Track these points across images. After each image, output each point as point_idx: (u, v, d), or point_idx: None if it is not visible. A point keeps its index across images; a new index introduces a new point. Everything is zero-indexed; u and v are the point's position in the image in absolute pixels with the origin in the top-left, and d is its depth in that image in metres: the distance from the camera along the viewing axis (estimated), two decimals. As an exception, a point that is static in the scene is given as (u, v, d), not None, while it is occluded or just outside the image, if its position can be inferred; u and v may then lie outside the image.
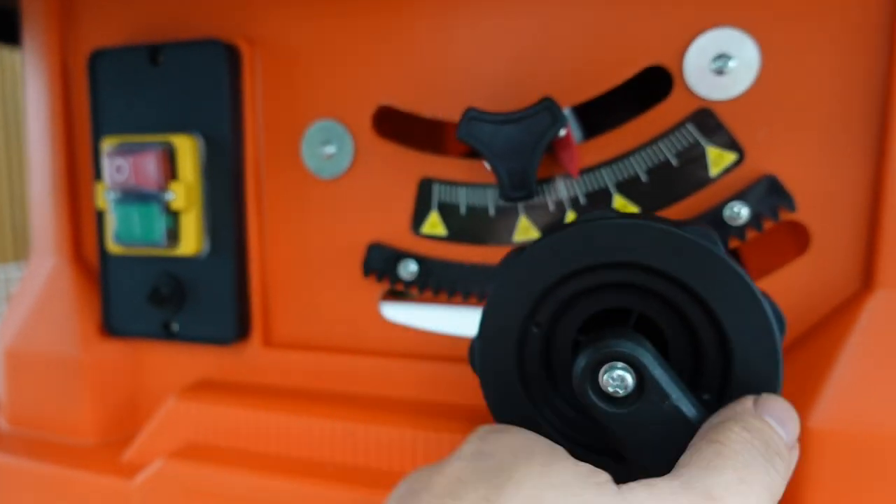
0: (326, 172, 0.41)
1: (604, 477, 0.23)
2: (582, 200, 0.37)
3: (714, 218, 0.34)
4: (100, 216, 0.44)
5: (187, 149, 0.40)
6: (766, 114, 0.34)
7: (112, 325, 0.45)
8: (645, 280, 0.27)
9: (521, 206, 0.38)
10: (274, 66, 0.42)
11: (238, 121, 0.41)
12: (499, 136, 0.34)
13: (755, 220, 0.34)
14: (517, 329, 0.28)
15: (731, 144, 0.34)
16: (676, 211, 0.35)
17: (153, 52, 0.42)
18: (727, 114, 0.34)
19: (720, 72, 0.34)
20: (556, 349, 0.29)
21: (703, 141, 0.35)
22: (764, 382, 0.26)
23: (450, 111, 0.38)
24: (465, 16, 0.38)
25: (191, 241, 0.41)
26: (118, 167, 0.40)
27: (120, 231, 0.41)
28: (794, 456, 0.26)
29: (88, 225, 0.47)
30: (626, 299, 0.28)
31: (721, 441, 0.24)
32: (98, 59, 0.43)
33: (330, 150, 0.41)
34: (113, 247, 0.43)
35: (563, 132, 0.34)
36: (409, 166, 0.39)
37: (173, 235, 0.41)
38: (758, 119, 0.34)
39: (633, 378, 0.25)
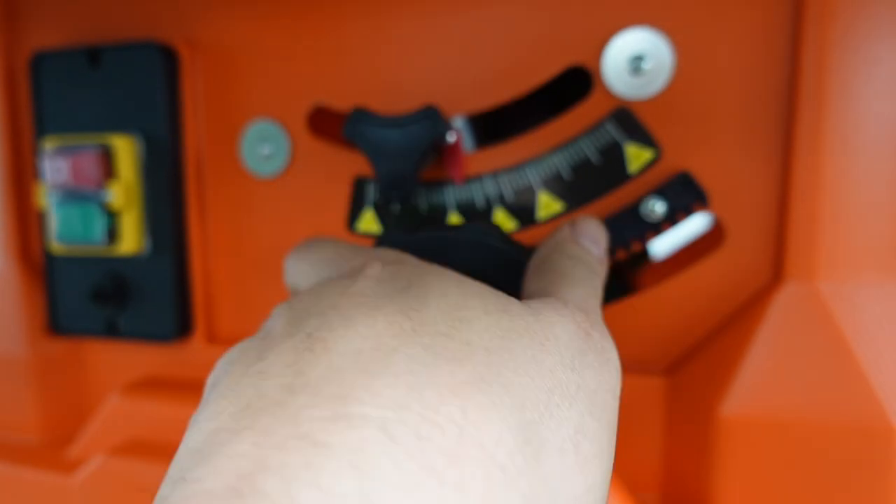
0: (264, 172, 0.42)
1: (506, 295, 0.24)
2: (509, 197, 0.38)
3: (631, 213, 0.35)
4: (43, 216, 0.44)
5: (126, 149, 0.41)
6: (681, 112, 0.35)
7: (57, 324, 0.46)
8: None
9: (452, 202, 0.39)
10: (213, 67, 0.42)
11: (176, 121, 0.42)
12: (382, 138, 0.35)
13: (671, 216, 0.35)
14: None
15: (649, 142, 0.35)
16: (598, 207, 0.36)
17: (92, 55, 0.42)
18: (644, 112, 0.35)
19: (636, 71, 0.35)
20: None
21: (621, 139, 0.36)
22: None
23: (382, 111, 0.39)
24: (395, 17, 0.38)
25: (131, 240, 0.41)
26: (58, 168, 0.41)
27: (61, 231, 0.42)
28: (604, 267, 0.30)
29: (34, 225, 0.48)
30: None
31: (554, 269, 0.27)
32: (39, 62, 0.43)
33: (267, 149, 0.41)
34: (55, 247, 0.43)
35: (451, 139, 0.36)
36: (343, 165, 0.40)
37: (113, 235, 0.42)
38: (673, 117, 0.35)
39: None
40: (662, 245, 0.42)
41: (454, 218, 0.39)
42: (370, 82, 0.39)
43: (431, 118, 0.35)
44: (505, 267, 0.29)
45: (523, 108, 0.38)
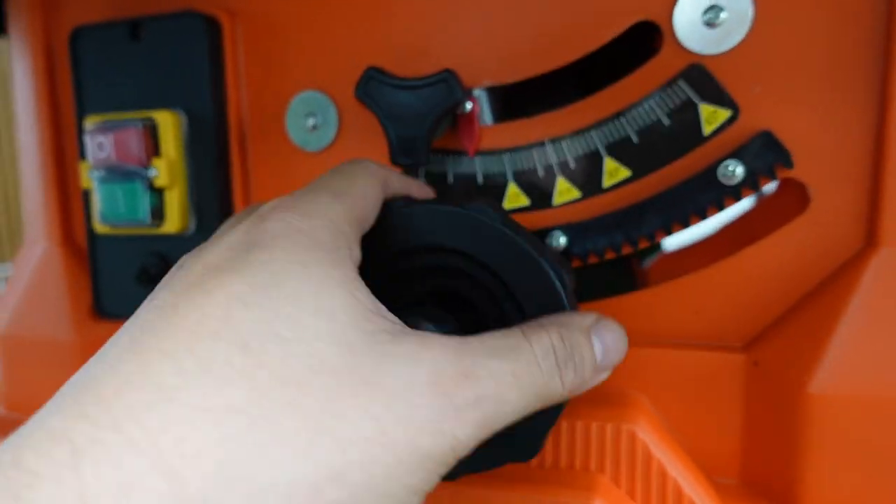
0: (312, 145, 0.40)
1: (380, 325, 0.21)
2: (572, 164, 0.35)
3: (708, 177, 0.33)
4: (86, 196, 0.43)
5: (169, 124, 0.39)
6: (761, 67, 0.32)
7: (103, 307, 0.45)
8: (448, 260, 0.29)
9: (510, 173, 0.36)
10: (255, 37, 0.41)
11: (220, 95, 0.40)
12: (394, 101, 0.34)
13: (751, 179, 0.32)
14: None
15: (725, 101, 0.33)
16: (670, 172, 0.34)
17: (133, 27, 0.41)
18: (720, 69, 0.33)
19: (711, 24, 0.32)
20: None
21: (695, 98, 0.33)
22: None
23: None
24: (448, -23, 0.36)
25: (176, 219, 0.40)
26: (100, 144, 0.39)
27: (105, 210, 0.41)
28: (599, 378, 0.26)
29: (77, 207, 0.47)
30: (442, 281, 0.30)
31: (527, 335, 0.24)
32: (79, 37, 0.42)
33: (314, 121, 0.40)
34: (99, 227, 0.42)
35: (467, 107, 0.35)
36: (394, 136, 0.38)
37: (158, 213, 0.40)
38: (752, 73, 0.32)
39: None
40: (676, 239, 0.40)
41: (513, 190, 0.37)
42: (422, 47, 0.37)
43: (448, 82, 0.33)
44: (504, 252, 0.27)
45: (587, 70, 0.36)
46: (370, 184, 0.27)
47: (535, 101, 0.37)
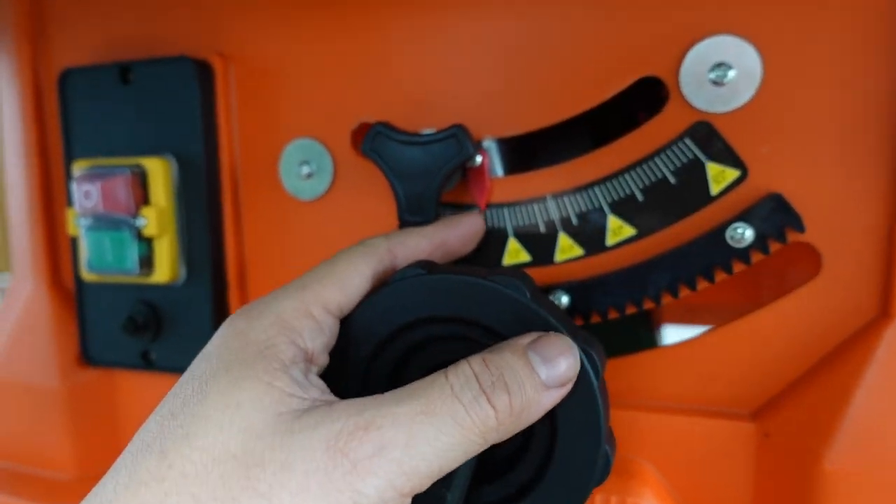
0: (306, 193, 0.39)
1: (295, 405, 0.23)
2: (574, 221, 0.34)
3: (716, 239, 0.32)
4: (74, 243, 0.42)
5: (159, 172, 0.38)
6: (770, 127, 0.31)
7: (90, 354, 0.43)
8: (465, 331, 0.27)
9: (510, 228, 0.35)
10: (248, 83, 0.39)
11: (212, 141, 0.39)
12: (402, 157, 0.33)
13: (761, 242, 0.31)
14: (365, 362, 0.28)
15: (733, 160, 0.32)
16: (676, 232, 0.33)
17: (123, 71, 0.40)
18: (728, 127, 0.32)
19: (719, 82, 0.31)
20: None
21: (702, 157, 0.32)
22: (584, 424, 0.26)
23: (433, 128, 0.36)
24: (445, 29, 0.35)
25: (165, 269, 0.39)
26: (87, 192, 0.38)
27: (92, 259, 0.39)
28: (551, 396, 0.25)
29: (66, 249, 0.46)
30: (455, 350, 0.28)
31: (447, 371, 0.23)
32: (68, 78, 0.41)
33: (308, 169, 0.38)
34: (87, 275, 0.41)
35: (477, 161, 0.33)
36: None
37: (147, 263, 0.39)
38: (761, 132, 0.31)
39: None
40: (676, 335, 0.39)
41: (513, 245, 0.35)
42: (419, 97, 0.36)
43: (457, 137, 0.32)
44: (524, 325, 0.26)
45: (588, 126, 0.35)
46: (353, 264, 0.28)
47: (545, 153, 0.36)
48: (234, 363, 0.23)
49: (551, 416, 0.26)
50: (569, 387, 0.25)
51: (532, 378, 0.24)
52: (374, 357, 0.28)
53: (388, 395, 0.23)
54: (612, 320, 0.34)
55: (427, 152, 0.33)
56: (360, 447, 0.21)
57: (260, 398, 0.22)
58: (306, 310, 0.26)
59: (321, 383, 0.25)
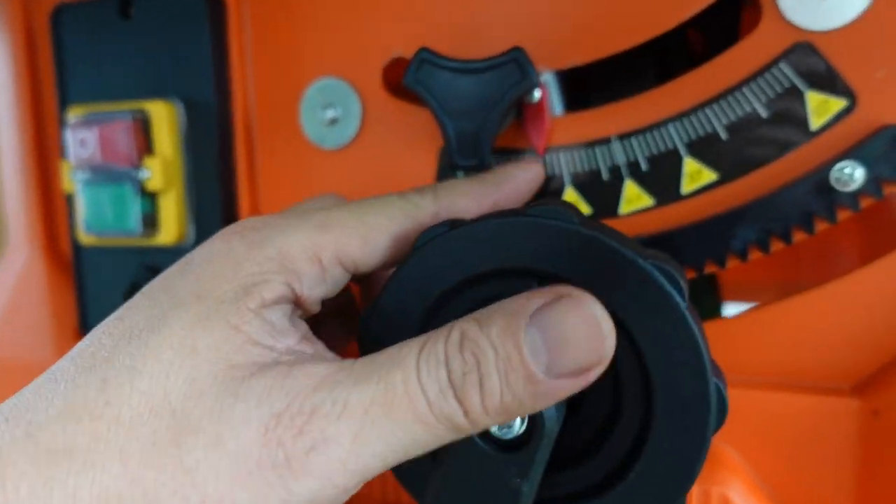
0: (330, 141, 0.34)
1: (254, 358, 0.20)
2: (644, 166, 0.29)
3: (819, 182, 0.27)
4: (70, 201, 0.38)
5: (164, 117, 0.34)
6: (887, 46, 0.26)
7: (88, 326, 0.39)
8: (519, 284, 0.22)
9: (568, 175, 0.30)
10: (264, 15, 0.35)
11: (223, 82, 0.34)
12: (453, 88, 0.28)
13: (873, 184, 0.26)
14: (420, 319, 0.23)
15: (840, 87, 0.27)
16: (768, 175, 0.28)
17: (123, 5, 0.35)
18: (834, 47, 0.27)
19: (824, -7, 0.26)
20: None
21: (801, 84, 0.27)
22: (681, 363, 0.21)
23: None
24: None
25: (172, 228, 0.34)
26: (83, 141, 0.34)
27: (90, 218, 0.35)
28: (556, 389, 0.19)
29: (63, 211, 0.41)
30: None
31: (424, 341, 0.19)
32: (61, 15, 0.36)
33: (333, 114, 0.34)
34: (85, 237, 0.36)
35: (536, 96, 0.28)
36: (429, 130, 0.32)
37: (151, 222, 0.34)
38: (875, 54, 0.26)
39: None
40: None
41: (570, 196, 0.31)
42: (464, 25, 0.31)
43: (519, 62, 0.27)
44: (593, 258, 0.21)
45: (662, 51, 0.30)
46: (389, 220, 0.24)
47: (606, 88, 0.31)
48: (211, 293, 0.20)
49: (640, 364, 0.21)
50: (593, 374, 0.19)
51: (522, 369, 0.18)
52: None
53: (354, 367, 0.20)
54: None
55: (482, 82, 0.28)
56: (297, 440, 0.18)
57: (219, 345, 0.19)
58: (317, 254, 0.22)
59: (304, 327, 0.22)
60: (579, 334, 0.18)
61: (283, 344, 0.21)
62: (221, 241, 0.22)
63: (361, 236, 0.23)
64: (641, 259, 0.21)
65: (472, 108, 0.28)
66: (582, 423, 0.23)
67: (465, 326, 0.19)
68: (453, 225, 0.23)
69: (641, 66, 0.32)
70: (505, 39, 0.30)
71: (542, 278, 0.22)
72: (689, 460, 0.21)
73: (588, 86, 0.33)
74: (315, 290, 0.22)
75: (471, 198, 0.26)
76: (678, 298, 0.21)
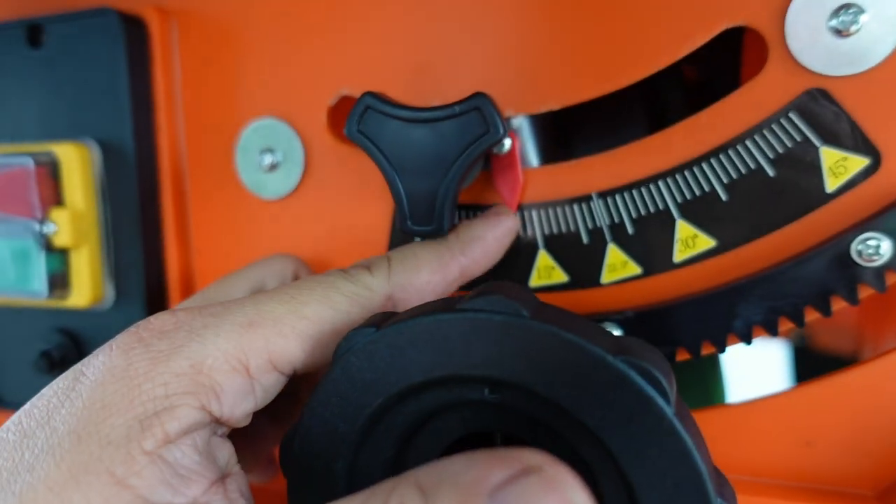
0: (270, 189, 0.30)
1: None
2: (630, 228, 0.25)
3: (837, 255, 0.23)
4: (-27, 254, 0.33)
5: (75, 161, 0.29)
6: (916, 96, 0.22)
7: (1, 396, 0.34)
8: (545, 412, 0.18)
9: (541, 237, 0.26)
10: (195, 46, 0.30)
11: (145, 121, 0.30)
12: (404, 141, 0.23)
13: (900, 260, 0.22)
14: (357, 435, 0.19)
15: (861, 143, 0.23)
16: (775, 242, 0.24)
17: (32, 30, 0.30)
18: (854, 97, 0.22)
19: (843, 32, 0.22)
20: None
21: (814, 138, 0.23)
22: (677, 481, 0.17)
23: (431, 103, 0.26)
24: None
25: (85, 289, 0.30)
26: (-22, 190, 0.29)
27: (-9, 276, 0.30)
28: None
29: (-26, 260, 0.37)
30: (517, 426, 0.20)
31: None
32: (-38, 42, 0.32)
33: (272, 158, 0.29)
34: (-12, 295, 0.32)
35: (506, 145, 0.24)
36: (380, 179, 0.28)
37: (61, 282, 0.30)
38: (901, 104, 0.22)
39: None
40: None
41: (544, 261, 0.26)
42: (416, 66, 0.27)
43: (483, 110, 0.22)
44: (552, 358, 0.17)
45: (646, 98, 0.26)
46: (329, 309, 0.20)
47: (590, 137, 0.27)
48: (96, 431, 0.16)
49: (628, 490, 0.17)
50: None
51: None
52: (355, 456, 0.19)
53: None
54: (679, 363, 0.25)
55: (439, 133, 0.23)
56: None
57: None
58: (243, 361, 0.18)
59: (225, 452, 0.19)
60: None
61: (186, 497, 0.16)
62: (119, 354, 0.18)
63: (299, 334, 0.19)
64: (611, 357, 0.17)
65: (428, 166, 0.23)
66: None
67: (405, 494, 0.14)
68: (383, 320, 0.18)
69: (633, 111, 0.28)
70: (470, 79, 0.26)
71: (493, 384, 0.18)
72: None
73: (572, 134, 0.29)
74: (240, 406, 0.19)
75: (432, 269, 0.22)
76: (662, 403, 0.16)
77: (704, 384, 0.34)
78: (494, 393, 0.19)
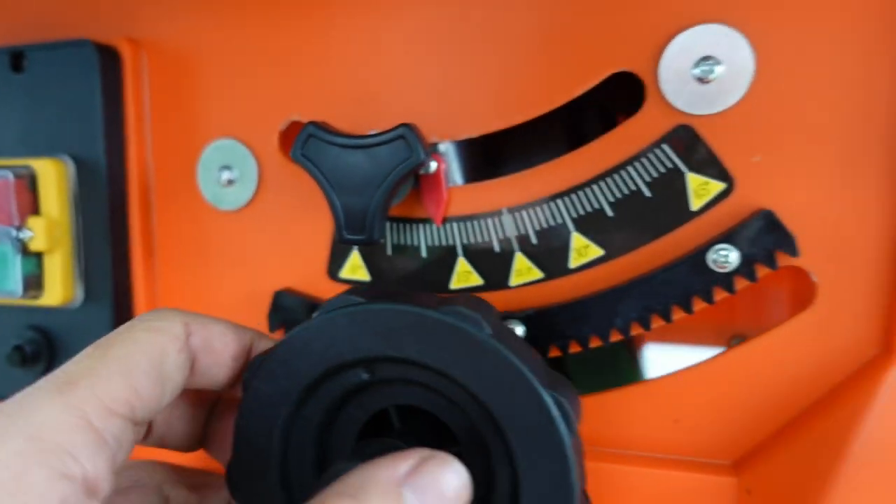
0: (226, 203, 0.34)
1: None
2: (533, 239, 0.30)
3: (696, 262, 0.27)
4: (-46, 256, 0.36)
5: (51, 175, 0.33)
6: (762, 133, 0.27)
7: (-26, 387, 0.37)
8: (416, 374, 0.23)
9: (460, 246, 0.30)
10: (162, 73, 0.34)
11: (117, 140, 0.34)
12: (341, 163, 0.28)
13: (747, 267, 0.27)
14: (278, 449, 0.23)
15: (718, 171, 0.27)
16: (650, 253, 0.28)
17: (14, 57, 0.34)
18: (713, 132, 0.27)
19: (704, 79, 0.27)
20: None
21: (682, 166, 0.28)
22: (552, 489, 0.21)
23: (375, 128, 0.31)
24: (392, 13, 0.30)
25: (57, 290, 0.33)
26: (-37, 198, 0.32)
27: (-29, 276, 0.34)
28: None
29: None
30: (403, 395, 0.24)
31: None
32: (-51, 65, 0.35)
33: (230, 175, 0.33)
34: (-33, 294, 0.35)
35: (433, 167, 0.29)
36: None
37: (35, 283, 0.33)
38: (751, 139, 0.27)
39: None
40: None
41: (463, 267, 0.31)
42: (360, 93, 0.31)
43: (407, 139, 0.27)
44: (483, 368, 0.21)
45: (544, 131, 0.30)
46: (137, 347, 0.21)
47: (515, 159, 0.31)
48: None
49: (514, 481, 0.21)
50: None
51: None
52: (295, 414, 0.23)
53: None
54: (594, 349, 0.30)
55: (370, 157, 0.28)
56: None
57: None
58: (81, 416, 0.18)
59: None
60: (453, 491, 0.19)
61: None
62: None
63: (118, 373, 0.20)
64: (540, 383, 0.21)
65: (360, 184, 0.28)
66: None
67: None
68: (361, 295, 0.23)
69: (546, 139, 0.33)
70: (403, 109, 0.31)
71: (368, 363, 0.23)
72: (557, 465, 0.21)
73: (495, 157, 0.34)
74: (98, 459, 0.18)
75: (229, 329, 0.24)
76: (563, 431, 0.21)
77: (618, 370, 0.39)
78: (371, 372, 0.23)
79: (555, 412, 0.21)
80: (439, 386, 0.23)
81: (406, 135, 0.27)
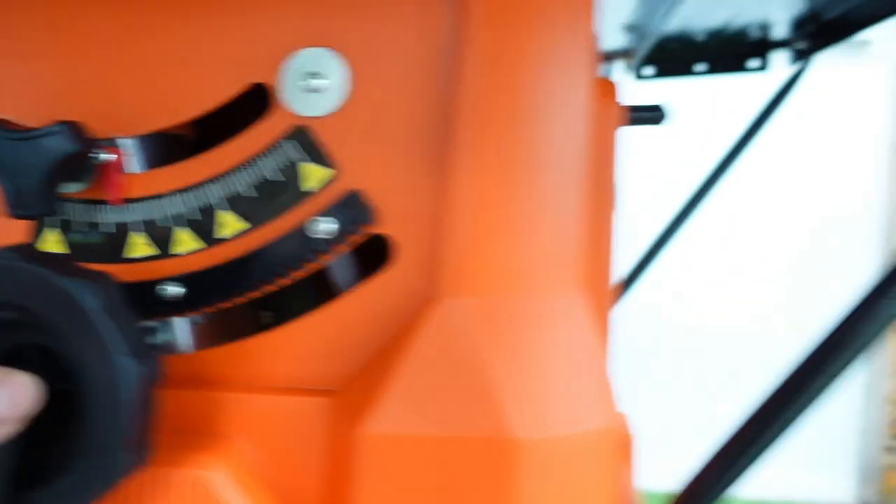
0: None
1: None
2: (193, 217, 0.36)
3: (300, 234, 0.35)
4: None
5: None
6: (358, 131, 0.35)
7: None
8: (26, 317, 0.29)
9: (135, 221, 0.37)
10: None
11: None
12: (12, 152, 0.34)
13: (342, 235, 0.34)
14: None
15: (326, 161, 0.35)
16: (278, 227, 0.36)
17: None
18: (322, 131, 0.35)
19: (313, 89, 0.35)
20: None
21: (297, 158, 0.35)
22: (109, 430, 0.28)
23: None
24: (76, 28, 0.37)
25: None
26: None
27: None
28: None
29: None
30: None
31: None
32: None
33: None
34: None
35: (102, 157, 0.35)
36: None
37: None
38: (350, 136, 0.35)
39: None
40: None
41: (135, 239, 0.37)
42: (49, 96, 0.38)
43: (63, 133, 0.34)
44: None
45: (204, 127, 0.37)
46: None
47: (181, 151, 0.38)
48: None
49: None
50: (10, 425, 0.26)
51: None
52: None
53: None
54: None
55: (34, 148, 0.34)
56: None
57: None
58: None
59: None
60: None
61: None
62: None
63: None
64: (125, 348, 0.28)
65: (25, 169, 0.34)
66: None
67: None
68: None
69: (210, 134, 0.40)
70: (87, 108, 0.37)
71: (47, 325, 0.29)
72: (118, 422, 0.27)
73: (176, 147, 0.40)
74: None
75: None
76: (129, 385, 0.28)
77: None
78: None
79: (123, 367, 0.27)
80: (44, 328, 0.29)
81: (62, 130, 0.34)
